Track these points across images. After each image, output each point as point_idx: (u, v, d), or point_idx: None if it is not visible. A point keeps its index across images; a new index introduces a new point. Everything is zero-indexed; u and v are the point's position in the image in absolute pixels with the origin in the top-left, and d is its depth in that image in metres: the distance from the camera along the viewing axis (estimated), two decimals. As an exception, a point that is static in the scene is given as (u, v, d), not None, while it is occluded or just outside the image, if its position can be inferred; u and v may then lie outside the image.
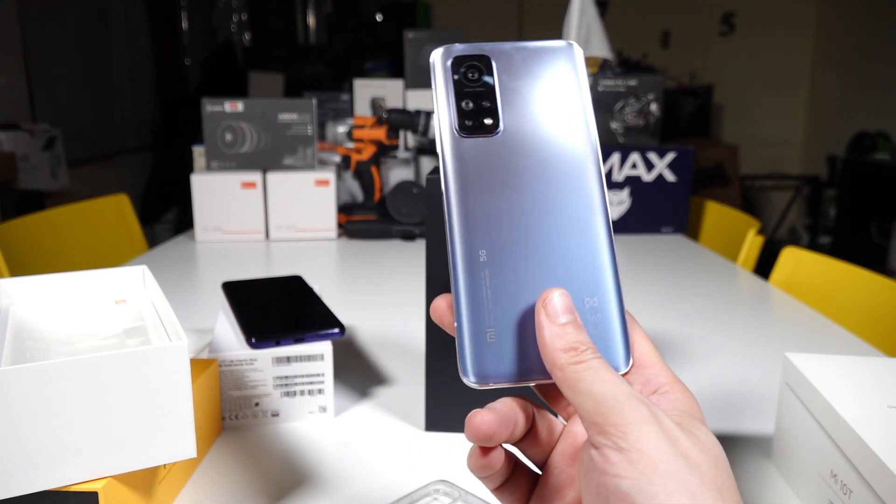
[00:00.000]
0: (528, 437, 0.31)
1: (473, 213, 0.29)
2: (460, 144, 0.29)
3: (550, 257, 0.29)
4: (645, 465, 0.24)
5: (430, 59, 0.31)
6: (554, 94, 0.31)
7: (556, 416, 0.33)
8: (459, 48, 0.31)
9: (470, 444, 0.30)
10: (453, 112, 0.30)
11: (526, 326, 0.29)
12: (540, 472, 0.32)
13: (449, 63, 0.31)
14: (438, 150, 0.30)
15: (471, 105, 0.30)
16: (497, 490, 0.31)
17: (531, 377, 0.29)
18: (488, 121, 0.30)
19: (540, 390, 0.32)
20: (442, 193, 0.29)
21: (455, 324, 0.28)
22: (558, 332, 0.28)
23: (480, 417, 0.28)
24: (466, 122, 0.30)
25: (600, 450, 0.26)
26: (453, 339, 0.29)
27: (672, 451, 0.25)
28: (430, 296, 0.59)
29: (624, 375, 0.29)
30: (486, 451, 0.30)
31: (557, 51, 0.31)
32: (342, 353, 0.81)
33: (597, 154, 0.30)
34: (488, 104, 0.30)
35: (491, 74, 0.31)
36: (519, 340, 0.28)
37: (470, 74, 0.30)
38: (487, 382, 0.28)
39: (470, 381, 0.28)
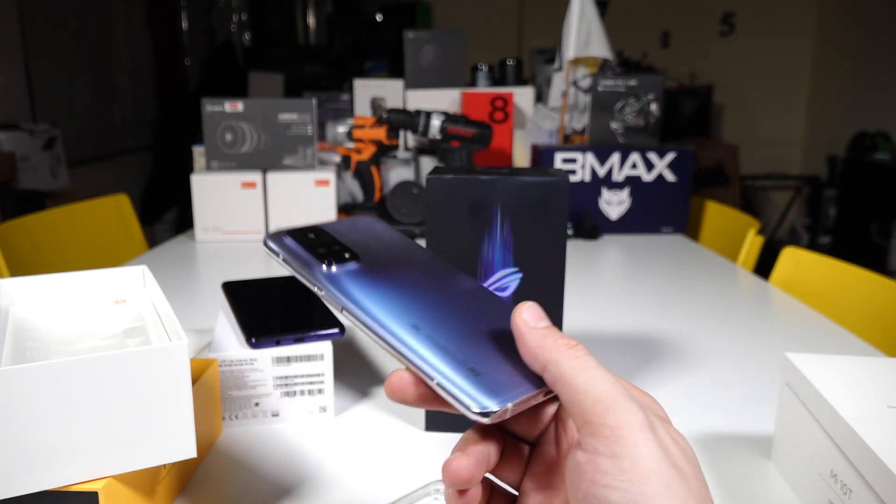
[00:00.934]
0: (502, 462, 0.31)
1: (383, 308, 0.32)
2: (333, 274, 0.33)
3: (467, 309, 0.32)
4: (636, 475, 0.24)
5: (267, 244, 0.35)
6: (381, 239, 0.38)
7: (520, 441, 0.32)
8: (288, 228, 0.37)
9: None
10: (312, 258, 0.34)
11: (497, 355, 0.30)
12: (517, 493, 0.32)
13: (284, 234, 0.36)
14: (321, 292, 0.33)
15: (325, 250, 0.35)
16: None
17: (528, 389, 0.29)
18: (347, 255, 0.35)
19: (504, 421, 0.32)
20: (344, 311, 0.32)
21: (434, 382, 0.29)
22: (544, 333, 0.28)
23: (457, 463, 0.28)
24: (328, 260, 0.34)
25: (590, 455, 0.25)
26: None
27: (664, 460, 0.25)
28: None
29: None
30: (462, 491, 0.29)
31: (363, 218, 0.39)
32: (342, 353, 0.81)
33: (433, 257, 0.37)
34: (337, 247, 0.35)
35: (325, 233, 0.36)
36: (500, 367, 0.29)
37: (309, 235, 0.36)
38: (505, 403, 0.28)
39: (489, 410, 0.28)
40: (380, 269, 0.34)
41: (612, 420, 0.25)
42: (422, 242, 1.39)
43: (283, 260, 0.35)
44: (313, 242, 0.35)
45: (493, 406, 0.27)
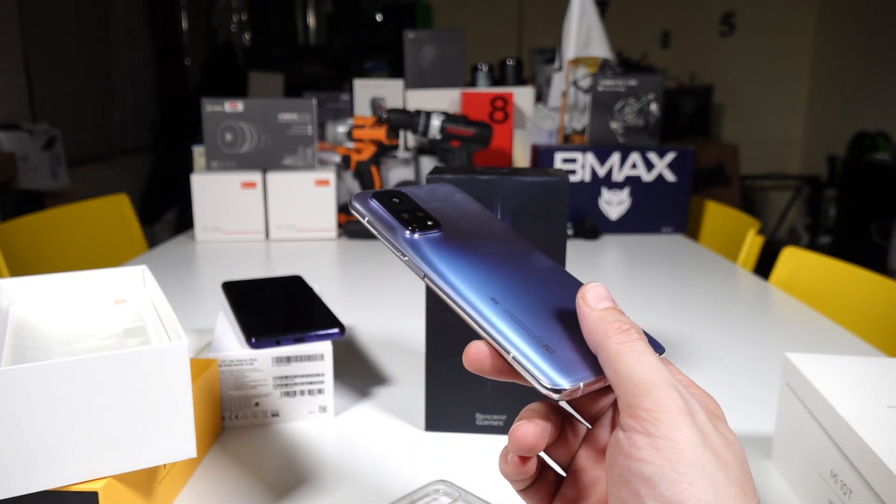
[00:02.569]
0: (556, 441, 0.32)
1: (463, 278, 0.32)
2: (416, 240, 0.34)
3: (543, 287, 0.33)
4: (671, 453, 0.24)
5: (353, 204, 0.36)
6: (465, 209, 0.38)
7: (580, 420, 0.33)
8: (373, 191, 0.37)
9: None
10: (396, 223, 0.35)
11: (570, 335, 0.31)
12: (564, 474, 0.32)
13: (371, 196, 0.36)
14: (405, 255, 0.34)
15: (408, 216, 0.35)
16: (523, 491, 0.32)
17: (595, 371, 0.30)
18: (429, 222, 0.35)
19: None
20: (428, 279, 0.32)
21: (510, 355, 0.29)
22: (600, 315, 0.29)
23: (524, 429, 0.29)
24: (412, 225, 0.35)
25: (628, 433, 0.26)
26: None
27: (702, 443, 0.25)
28: (431, 296, 0.59)
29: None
30: (524, 459, 0.30)
31: (444, 185, 0.40)
32: (342, 353, 0.81)
33: (515, 233, 0.37)
34: (420, 214, 0.36)
35: (411, 199, 0.37)
36: (573, 347, 0.30)
37: (394, 199, 0.36)
38: (576, 382, 0.29)
39: (561, 388, 0.28)
40: (460, 240, 0.35)
41: (649, 403, 0.26)
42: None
43: (369, 222, 0.35)
44: (397, 207, 0.36)
45: (565, 384, 0.28)
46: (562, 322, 0.31)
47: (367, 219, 0.35)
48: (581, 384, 0.28)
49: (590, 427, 0.32)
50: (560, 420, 0.31)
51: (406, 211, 0.36)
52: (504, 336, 0.30)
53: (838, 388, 0.49)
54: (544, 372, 0.28)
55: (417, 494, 0.52)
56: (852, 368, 0.52)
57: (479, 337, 0.31)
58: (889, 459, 0.40)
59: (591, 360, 0.29)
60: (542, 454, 0.32)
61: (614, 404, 0.31)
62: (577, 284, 0.33)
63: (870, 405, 0.47)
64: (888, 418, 0.45)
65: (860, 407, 0.47)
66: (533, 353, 0.29)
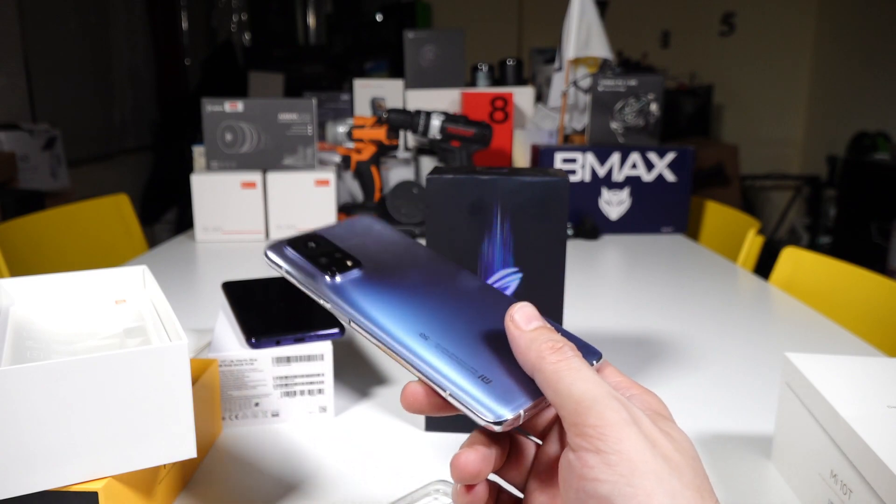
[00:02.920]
0: (507, 463, 0.32)
1: (390, 317, 0.32)
2: (337, 285, 0.33)
3: (472, 313, 0.32)
4: (623, 468, 0.24)
5: (267, 256, 0.35)
6: (383, 243, 0.37)
7: (527, 436, 0.33)
8: (288, 238, 0.36)
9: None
10: (315, 269, 0.34)
11: (504, 361, 0.30)
12: (521, 496, 0.32)
13: (285, 245, 0.35)
14: (326, 303, 0.33)
15: (326, 260, 0.34)
16: None
17: (534, 395, 0.29)
18: (349, 262, 0.34)
19: None
20: (352, 325, 0.32)
21: (446, 392, 0.29)
22: (530, 337, 0.28)
23: (465, 458, 0.29)
24: (331, 269, 0.34)
25: (578, 453, 0.26)
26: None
27: (651, 451, 0.25)
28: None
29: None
30: (470, 487, 0.30)
31: (362, 220, 0.38)
32: (342, 353, 0.81)
33: (436, 256, 0.36)
34: (339, 255, 0.35)
35: (325, 240, 0.36)
36: (508, 373, 0.29)
37: (309, 244, 0.36)
38: (517, 410, 0.28)
39: (502, 419, 0.28)
40: (383, 275, 0.34)
41: (593, 419, 0.25)
42: (422, 242, 1.39)
43: (287, 272, 0.34)
44: (314, 252, 0.35)
45: (506, 414, 0.28)
46: (495, 347, 0.31)
47: (283, 269, 0.34)
48: (521, 411, 0.28)
49: (540, 443, 0.32)
50: (506, 443, 0.31)
51: (323, 254, 0.35)
52: (438, 372, 0.29)
53: (838, 388, 0.49)
54: (483, 404, 0.28)
55: (417, 494, 0.52)
56: (852, 368, 0.52)
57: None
58: (889, 459, 0.40)
59: (529, 383, 0.29)
60: (496, 478, 0.32)
61: (557, 418, 0.31)
62: (508, 303, 0.32)
63: (870, 405, 0.47)
64: (888, 418, 0.45)
65: (860, 407, 0.46)
66: (469, 386, 0.29)
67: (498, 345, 0.31)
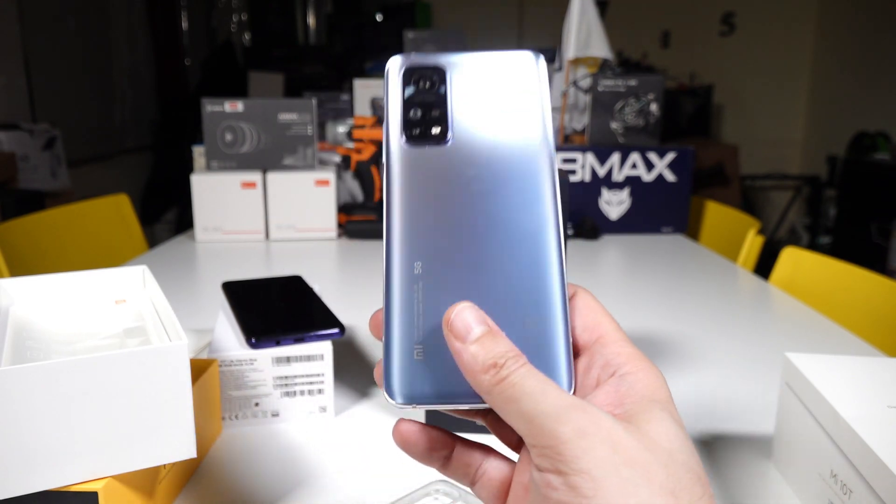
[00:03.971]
0: (450, 462, 0.30)
1: (411, 224, 0.28)
2: (405, 153, 0.29)
3: (490, 272, 0.27)
4: (587, 488, 0.23)
5: (385, 68, 0.30)
6: (510, 105, 0.30)
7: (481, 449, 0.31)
8: (414, 57, 0.30)
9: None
10: (399, 119, 0.29)
11: None
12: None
13: (401, 72, 0.30)
14: (384, 159, 0.29)
15: (419, 114, 0.29)
16: (447, 471, 0.31)
17: (460, 400, 0.26)
18: (436, 130, 0.29)
19: (483, 419, 0.31)
20: (383, 203, 0.28)
21: (383, 338, 0.27)
22: (473, 353, 0.26)
23: (406, 426, 0.28)
24: (413, 131, 0.29)
25: (541, 473, 0.24)
26: None
27: (613, 461, 0.23)
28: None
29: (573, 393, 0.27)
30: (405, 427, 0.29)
31: (517, 60, 0.30)
32: (342, 353, 0.81)
33: (552, 167, 0.29)
34: (437, 114, 0.29)
35: (444, 85, 0.30)
36: (449, 360, 0.26)
37: (422, 84, 0.30)
38: (411, 403, 0.26)
39: (393, 400, 0.26)
40: (455, 166, 0.28)
41: (548, 440, 0.24)
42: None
43: (384, 99, 0.30)
44: (416, 96, 0.30)
45: (395, 400, 0.26)
46: None
47: (384, 92, 0.30)
48: (415, 406, 0.26)
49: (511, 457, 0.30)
50: (452, 442, 0.30)
51: (422, 104, 0.29)
52: (391, 313, 0.27)
53: (838, 388, 0.49)
54: (390, 375, 0.26)
55: (417, 494, 0.52)
56: (852, 368, 0.52)
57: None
58: (889, 459, 0.40)
59: (462, 383, 0.26)
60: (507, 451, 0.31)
61: None
62: (536, 274, 0.27)
63: (870, 405, 0.47)
64: (888, 418, 0.45)
65: (860, 407, 0.46)
66: (399, 348, 0.26)
67: None
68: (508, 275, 0.27)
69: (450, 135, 0.29)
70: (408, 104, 0.29)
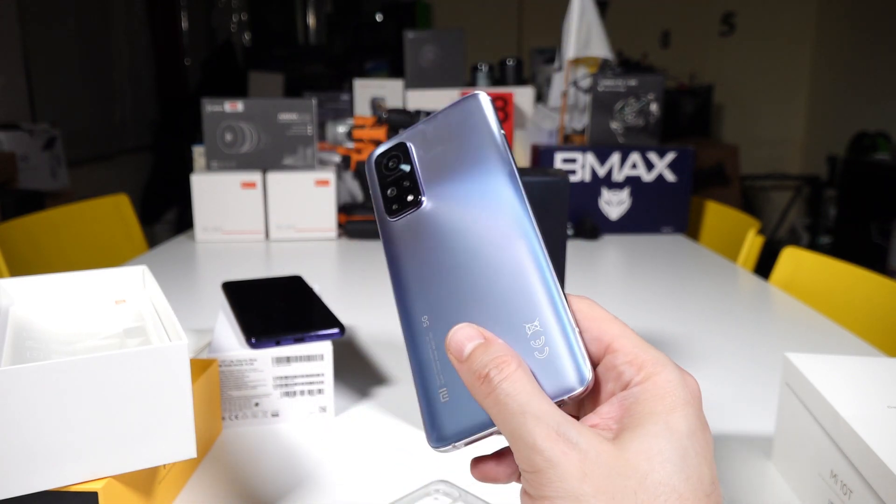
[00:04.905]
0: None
1: (412, 284, 0.30)
2: (392, 227, 0.32)
3: (484, 300, 0.29)
4: None
5: (367, 167, 0.34)
6: (469, 148, 0.32)
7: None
8: (381, 146, 0.34)
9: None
10: (381, 201, 0.33)
11: None
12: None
13: (373, 162, 0.34)
14: (381, 240, 0.32)
15: (394, 192, 0.32)
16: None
17: (488, 426, 0.28)
18: (410, 198, 0.32)
19: None
20: (392, 277, 0.31)
21: (418, 393, 0.28)
22: (467, 369, 0.27)
23: (485, 468, 0.29)
24: (392, 207, 0.32)
25: (531, 499, 0.25)
26: None
27: (582, 491, 0.23)
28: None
29: (586, 389, 0.27)
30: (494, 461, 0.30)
31: (463, 107, 0.33)
32: (342, 353, 0.81)
33: (516, 185, 0.31)
34: (408, 184, 0.32)
35: (409, 157, 0.33)
36: (467, 392, 0.28)
37: (391, 164, 0.33)
38: (449, 444, 0.28)
39: (434, 445, 0.28)
40: (437, 220, 0.31)
41: (523, 463, 0.25)
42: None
43: (370, 193, 0.34)
44: (389, 174, 0.33)
45: (435, 445, 0.27)
46: None
47: (369, 186, 0.34)
48: (452, 445, 0.27)
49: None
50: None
51: (394, 182, 0.33)
52: (414, 366, 0.29)
53: (838, 388, 0.49)
54: (427, 424, 0.28)
55: (417, 494, 0.52)
56: (852, 368, 0.52)
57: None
58: (889, 459, 0.40)
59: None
60: None
61: (588, 406, 0.29)
62: (526, 299, 0.29)
63: (870, 405, 0.47)
64: (888, 418, 0.45)
65: (860, 407, 0.46)
66: (427, 399, 0.28)
67: None
68: (500, 296, 0.29)
69: (423, 198, 0.32)
70: (384, 187, 0.33)
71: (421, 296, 0.30)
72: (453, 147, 0.32)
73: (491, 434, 0.28)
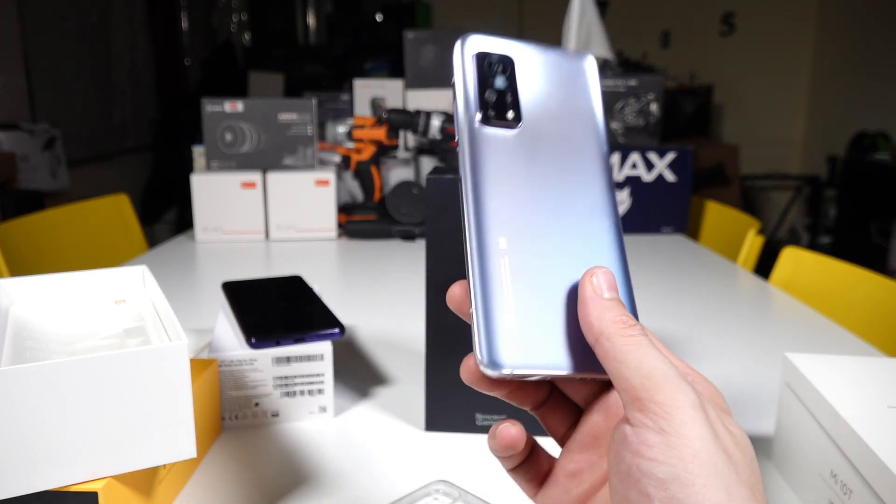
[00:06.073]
0: (548, 411, 0.32)
1: (492, 200, 0.29)
2: (482, 134, 0.30)
3: (568, 247, 0.30)
4: (684, 452, 0.24)
5: (455, 48, 0.32)
6: (571, 98, 0.33)
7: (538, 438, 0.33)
8: (485, 42, 0.32)
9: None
10: (475, 102, 0.31)
11: (549, 315, 0.28)
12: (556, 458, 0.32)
13: (473, 55, 0.31)
14: (459, 139, 0.30)
15: (493, 97, 0.31)
16: (513, 471, 0.32)
17: (556, 368, 0.28)
18: (510, 114, 0.31)
19: (537, 410, 0.32)
20: (460, 182, 0.30)
21: (472, 310, 0.27)
22: (607, 304, 0.27)
23: (506, 431, 0.29)
24: (488, 112, 0.30)
25: (637, 429, 0.25)
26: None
27: (714, 442, 0.24)
28: (430, 296, 0.59)
29: None
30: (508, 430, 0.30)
31: (578, 60, 0.34)
32: (342, 353, 0.81)
33: (606, 154, 0.32)
34: (509, 98, 0.31)
35: (512, 73, 0.32)
36: (541, 329, 0.28)
37: (494, 68, 0.32)
38: (504, 369, 0.27)
39: (486, 368, 0.27)
40: (528, 149, 0.31)
41: (661, 397, 0.25)
42: (421, 242, 1.39)
43: (454, 83, 0.31)
44: (490, 80, 0.31)
45: (488, 367, 0.27)
46: (560, 294, 0.29)
47: (454, 79, 0.31)
48: (508, 371, 0.26)
49: (581, 410, 0.32)
50: (547, 391, 0.32)
51: (494, 89, 0.31)
52: (479, 286, 0.27)
53: (838, 388, 0.49)
54: (482, 343, 0.27)
55: (417, 494, 0.52)
56: (852, 368, 0.52)
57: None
58: (889, 459, 0.40)
59: (559, 351, 0.28)
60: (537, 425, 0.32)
61: (607, 391, 0.31)
62: (611, 252, 0.30)
63: (870, 405, 0.47)
64: (888, 418, 0.45)
65: (860, 407, 0.46)
66: (492, 318, 0.27)
67: (564, 293, 0.29)
68: (583, 247, 0.30)
69: (521, 120, 0.31)
70: (482, 87, 0.31)
71: (502, 215, 0.29)
72: (556, 92, 0.32)
73: (553, 376, 0.27)
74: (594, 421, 0.31)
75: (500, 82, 0.31)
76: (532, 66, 0.32)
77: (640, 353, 0.26)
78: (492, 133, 0.30)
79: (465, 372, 0.29)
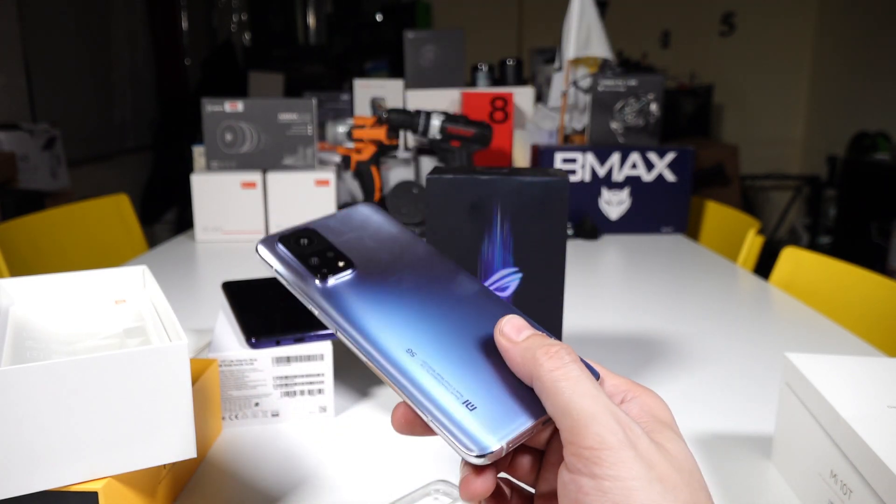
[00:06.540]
0: (514, 463, 0.32)
1: (380, 330, 0.30)
2: (325, 290, 0.32)
3: (466, 325, 0.31)
4: (618, 495, 0.24)
5: (258, 250, 0.35)
6: (377, 231, 0.36)
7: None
8: (278, 233, 0.36)
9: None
10: (303, 270, 0.33)
11: (491, 383, 0.29)
12: (533, 491, 0.32)
13: (277, 241, 0.35)
14: (315, 307, 0.32)
15: (317, 260, 0.33)
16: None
17: (523, 422, 0.28)
18: (341, 263, 0.33)
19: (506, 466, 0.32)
20: (339, 333, 0.31)
21: (428, 420, 0.27)
22: (526, 345, 0.28)
23: (474, 486, 0.28)
24: (322, 272, 0.33)
25: (573, 475, 0.25)
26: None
27: (647, 476, 0.24)
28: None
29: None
30: (478, 475, 0.29)
31: (356, 211, 0.37)
32: (342, 353, 0.81)
33: (431, 248, 0.35)
34: (331, 254, 0.34)
35: (321, 237, 0.35)
36: (494, 397, 0.28)
37: (301, 241, 0.35)
38: (495, 446, 0.27)
39: (479, 459, 0.26)
40: (376, 277, 0.33)
41: (590, 441, 0.25)
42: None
43: (276, 272, 0.33)
44: (306, 250, 0.34)
45: (487, 447, 0.26)
46: (488, 364, 0.29)
47: (273, 268, 0.33)
48: (504, 443, 0.26)
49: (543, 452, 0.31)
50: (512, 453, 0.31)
51: (315, 253, 0.33)
52: (422, 395, 0.28)
53: (838, 388, 0.49)
54: (465, 436, 0.26)
55: (417, 494, 0.52)
56: (852, 368, 0.52)
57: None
58: (889, 459, 0.40)
59: (518, 408, 0.27)
60: (507, 476, 0.32)
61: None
62: (507, 311, 0.31)
63: (870, 405, 0.47)
64: (888, 418, 0.45)
65: (860, 407, 0.47)
66: (452, 413, 0.27)
67: (490, 361, 0.29)
68: (472, 315, 0.31)
69: (352, 262, 0.33)
70: (303, 258, 0.34)
71: (394, 334, 0.30)
72: (363, 233, 0.35)
73: (534, 428, 0.27)
74: (553, 459, 0.31)
75: (314, 246, 0.34)
76: (327, 227, 0.36)
77: (569, 389, 0.26)
78: (336, 284, 0.32)
79: (397, 423, 0.30)
